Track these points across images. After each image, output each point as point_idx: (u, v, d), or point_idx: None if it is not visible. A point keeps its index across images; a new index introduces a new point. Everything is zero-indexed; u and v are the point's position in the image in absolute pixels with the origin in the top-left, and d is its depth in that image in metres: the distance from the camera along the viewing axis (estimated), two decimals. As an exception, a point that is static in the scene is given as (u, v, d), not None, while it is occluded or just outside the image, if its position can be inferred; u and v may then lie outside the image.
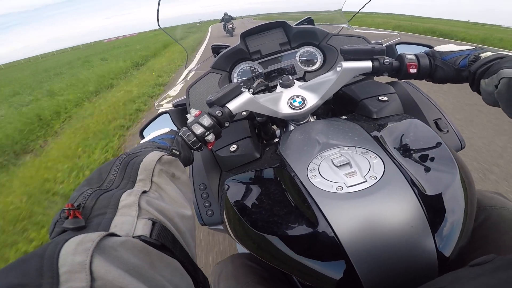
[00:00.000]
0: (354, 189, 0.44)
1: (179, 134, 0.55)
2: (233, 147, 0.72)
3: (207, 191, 0.71)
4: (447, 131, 0.70)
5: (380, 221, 0.39)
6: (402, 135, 0.56)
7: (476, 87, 0.56)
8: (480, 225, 0.50)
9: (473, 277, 0.29)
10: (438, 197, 0.41)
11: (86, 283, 0.20)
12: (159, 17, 0.88)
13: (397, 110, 0.72)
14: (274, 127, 1.03)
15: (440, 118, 0.72)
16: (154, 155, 0.41)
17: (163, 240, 0.29)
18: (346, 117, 0.75)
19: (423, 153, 0.51)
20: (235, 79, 0.97)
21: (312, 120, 0.79)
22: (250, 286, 0.57)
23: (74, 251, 0.21)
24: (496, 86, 0.49)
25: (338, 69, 0.68)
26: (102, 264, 0.21)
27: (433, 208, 0.40)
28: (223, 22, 12.05)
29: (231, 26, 12.31)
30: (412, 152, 0.51)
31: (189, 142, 0.54)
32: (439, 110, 0.74)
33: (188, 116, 0.60)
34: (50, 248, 0.22)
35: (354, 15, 1.13)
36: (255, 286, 0.57)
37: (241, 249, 0.94)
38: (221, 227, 0.68)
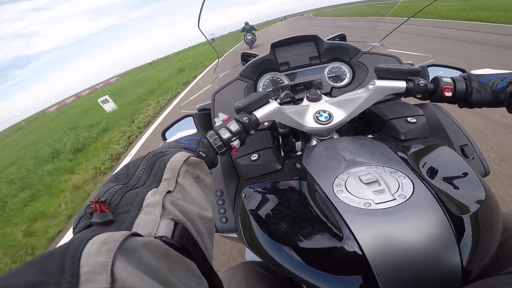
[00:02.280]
0: (382, 206, 0.43)
1: (206, 137, 0.55)
2: (254, 156, 0.72)
3: (223, 197, 0.71)
4: (473, 158, 0.68)
5: (407, 238, 0.38)
6: (431, 159, 0.55)
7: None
8: (502, 244, 0.50)
9: (507, 284, 0.29)
10: (466, 218, 0.41)
11: (106, 285, 0.19)
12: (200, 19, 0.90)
13: (424, 132, 0.71)
14: (294, 140, 1.02)
15: (467, 145, 0.71)
16: (181, 156, 0.41)
17: (184, 242, 0.29)
18: (372, 136, 0.73)
19: (451, 177, 0.50)
20: (260, 88, 0.98)
21: (336, 136, 0.78)
22: None
23: (97, 251, 0.21)
24: None
25: (370, 86, 0.67)
26: (124, 266, 0.21)
27: (461, 228, 0.40)
28: (244, 32, 12.17)
29: (250, 37, 11.24)
30: (440, 175, 0.50)
31: (215, 146, 0.54)
32: (466, 136, 0.72)
33: (216, 120, 0.60)
34: (74, 245, 0.22)
35: (387, 35, 1.12)
36: None
37: (250, 258, 0.93)
38: (234, 234, 0.68)
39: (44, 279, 0.19)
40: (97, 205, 0.29)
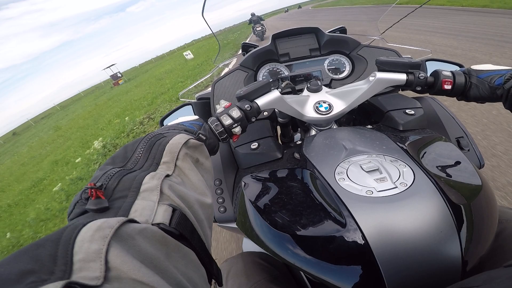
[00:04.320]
0: (384, 194, 0.43)
1: (207, 122, 0.55)
2: (254, 145, 0.72)
3: (222, 187, 0.71)
4: (468, 150, 0.69)
5: (410, 226, 0.39)
6: (429, 149, 0.56)
7: (509, 105, 0.55)
8: (497, 236, 0.51)
9: (508, 277, 0.29)
10: (466, 207, 0.42)
11: (100, 273, 0.19)
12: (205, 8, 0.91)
13: (422, 124, 0.72)
14: (292, 131, 1.03)
15: (463, 137, 0.72)
16: (181, 138, 0.40)
17: (182, 229, 0.29)
18: (371, 126, 0.74)
19: (449, 167, 0.51)
20: (260, 78, 0.98)
21: (335, 127, 0.78)
22: (261, 284, 0.56)
23: (91, 238, 0.21)
24: None
25: (371, 78, 0.67)
26: (119, 253, 0.21)
27: (461, 216, 0.41)
28: (252, 24, 10.44)
29: (260, 28, 10.56)
30: (438, 165, 0.51)
31: (217, 132, 0.54)
32: (462, 129, 0.73)
33: (217, 106, 0.60)
34: (67, 233, 0.21)
35: (387, 28, 1.12)
36: (267, 284, 0.56)
37: (247, 248, 0.94)
38: (232, 225, 0.68)
39: (36, 267, 0.18)
40: (92, 191, 0.28)
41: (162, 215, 0.28)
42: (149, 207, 0.28)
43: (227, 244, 1.68)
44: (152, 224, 0.27)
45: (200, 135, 0.48)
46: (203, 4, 0.89)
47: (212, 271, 0.33)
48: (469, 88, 0.62)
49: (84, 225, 0.22)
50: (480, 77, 0.60)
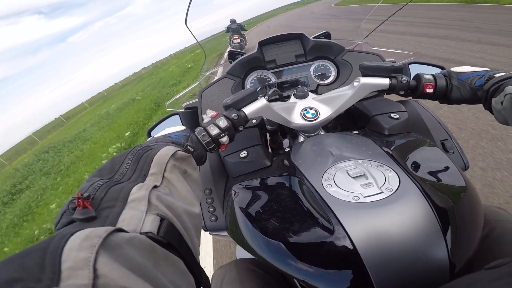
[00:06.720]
0: (370, 199, 0.44)
1: (195, 133, 0.55)
2: (243, 154, 0.71)
3: (212, 196, 0.71)
4: (453, 152, 0.71)
5: (396, 230, 0.39)
6: (414, 153, 0.57)
7: (488, 106, 0.57)
8: (485, 237, 0.52)
9: (490, 279, 0.29)
10: (450, 210, 0.43)
11: (88, 281, 0.19)
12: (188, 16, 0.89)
13: (407, 128, 0.73)
14: (281, 137, 1.03)
15: (447, 139, 0.73)
16: (169, 150, 0.41)
17: (170, 238, 0.29)
18: (357, 132, 0.75)
19: (433, 170, 0.52)
20: (248, 86, 0.98)
21: (322, 133, 0.79)
22: None
23: (79, 247, 0.21)
24: (502, 103, 0.50)
25: (355, 84, 0.68)
26: (107, 262, 0.21)
27: (446, 219, 0.42)
28: (229, 33, 7.99)
29: (238, 40, 7.67)
30: (423, 169, 0.52)
31: (204, 143, 0.54)
32: (446, 132, 0.75)
33: (204, 116, 0.60)
34: (55, 241, 0.21)
35: (370, 33, 1.16)
36: None
37: (240, 255, 0.93)
38: (224, 233, 0.67)
39: (23, 275, 0.18)
40: (79, 201, 0.28)
41: (150, 224, 0.28)
42: (137, 217, 0.28)
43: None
44: (140, 233, 0.27)
45: (188, 146, 0.49)
46: (186, 12, 0.88)
47: (201, 279, 0.33)
48: (450, 91, 0.63)
49: (72, 234, 0.22)
50: (460, 79, 0.62)
